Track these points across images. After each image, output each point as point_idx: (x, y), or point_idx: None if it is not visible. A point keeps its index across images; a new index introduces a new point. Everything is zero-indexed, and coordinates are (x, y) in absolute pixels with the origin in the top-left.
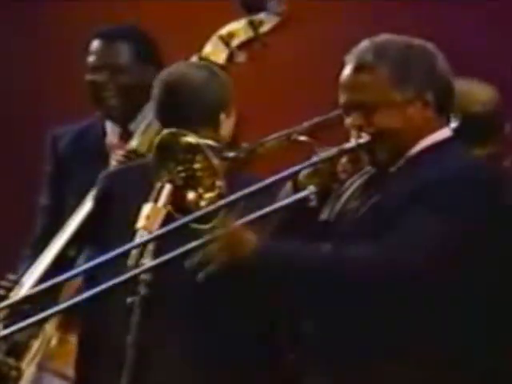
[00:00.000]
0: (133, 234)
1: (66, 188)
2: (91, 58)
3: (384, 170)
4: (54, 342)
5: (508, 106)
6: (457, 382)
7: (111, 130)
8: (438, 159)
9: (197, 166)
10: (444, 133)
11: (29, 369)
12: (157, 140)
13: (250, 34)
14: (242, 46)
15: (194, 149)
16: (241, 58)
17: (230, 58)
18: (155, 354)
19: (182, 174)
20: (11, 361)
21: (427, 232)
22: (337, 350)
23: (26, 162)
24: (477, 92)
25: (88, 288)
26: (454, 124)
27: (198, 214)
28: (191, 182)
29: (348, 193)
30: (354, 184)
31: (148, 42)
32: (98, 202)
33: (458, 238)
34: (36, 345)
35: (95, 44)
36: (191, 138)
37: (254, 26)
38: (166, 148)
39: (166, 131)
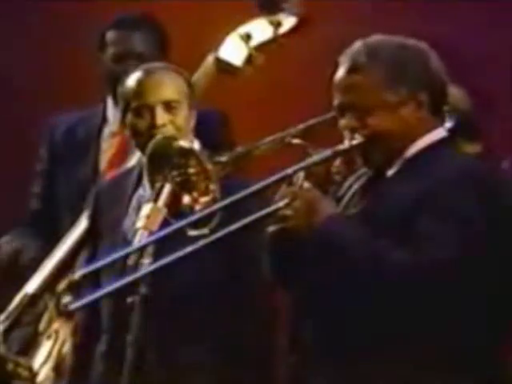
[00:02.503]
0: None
1: (58, 175)
2: (111, 49)
3: (381, 173)
4: (67, 347)
5: (507, 106)
6: (459, 382)
7: (114, 119)
8: (436, 161)
9: (191, 170)
10: (439, 133)
11: (43, 371)
12: (150, 145)
13: (269, 34)
14: (260, 47)
15: (188, 153)
16: (259, 59)
17: (249, 60)
18: (155, 353)
19: (177, 179)
20: (22, 360)
21: (435, 236)
22: (337, 351)
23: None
24: (458, 92)
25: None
26: (448, 124)
27: (193, 218)
28: (186, 186)
29: (347, 197)
30: (351, 188)
31: (161, 30)
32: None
33: (462, 239)
34: (48, 346)
35: (113, 34)
36: (184, 143)
37: (272, 27)
38: (160, 153)
39: (159, 136)
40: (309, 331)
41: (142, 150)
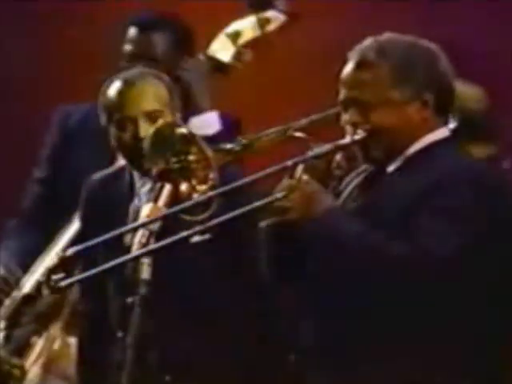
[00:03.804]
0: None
1: (69, 161)
2: (127, 47)
3: (381, 170)
4: (58, 343)
5: (507, 106)
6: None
7: None
8: (437, 159)
9: (191, 157)
10: (442, 133)
11: (33, 369)
12: (152, 130)
13: (257, 32)
14: (249, 44)
15: (189, 140)
16: (247, 56)
17: (237, 56)
18: (156, 354)
19: (177, 165)
20: (15, 359)
21: (434, 234)
22: (337, 350)
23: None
24: (470, 92)
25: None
26: (452, 124)
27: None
28: (185, 173)
29: (346, 192)
30: (351, 183)
31: (184, 30)
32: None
33: (462, 238)
34: (40, 344)
35: (132, 32)
36: (186, 130)
37: (261, 24)
38: (162, 138)
39: (161, 122)
40: (309, 331)
41: (129, 162)
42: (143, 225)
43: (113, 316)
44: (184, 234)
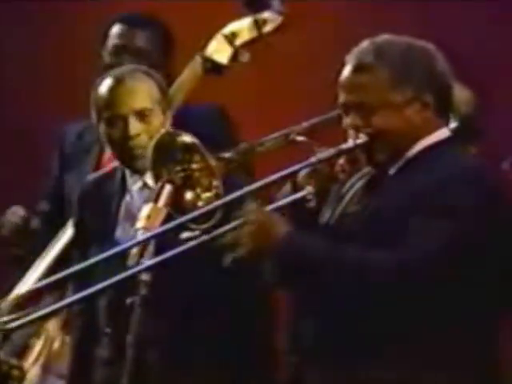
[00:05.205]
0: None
1: (68, 182)
2: (112, 41)
3: (383, 172)
4: (57, 343)
5: (506, 106)
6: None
7: None
8: (437, 160)
9: (194, 166)
10: (443, 133)
11: (33, 370)
12: (154, 140)
13: (254, 33)
14: (246, 45)
15: (192, 149)
16: (244, 57)
17: (234, 57)
18: (156, 354)
19: (181, 174)
20: (13, 360)
21: (430, 235)
22: (336, 351)
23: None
24: (460, 95)
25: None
26: (452, 124)
27: (195, 213)
28: (189, 182)
29: (349, 196)
30: (354, 186)
31: (165, 32)
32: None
33: (459, 238)
34: (39, 345)
35: (116, 28)
36: (187, 138)
37: (258, 25)
38: (164, 148)
39: (163, 131)
40: (309, 331)
41: (119, 159)
42: (146, 240)
43: (101, 312)
44: (185, 246)
